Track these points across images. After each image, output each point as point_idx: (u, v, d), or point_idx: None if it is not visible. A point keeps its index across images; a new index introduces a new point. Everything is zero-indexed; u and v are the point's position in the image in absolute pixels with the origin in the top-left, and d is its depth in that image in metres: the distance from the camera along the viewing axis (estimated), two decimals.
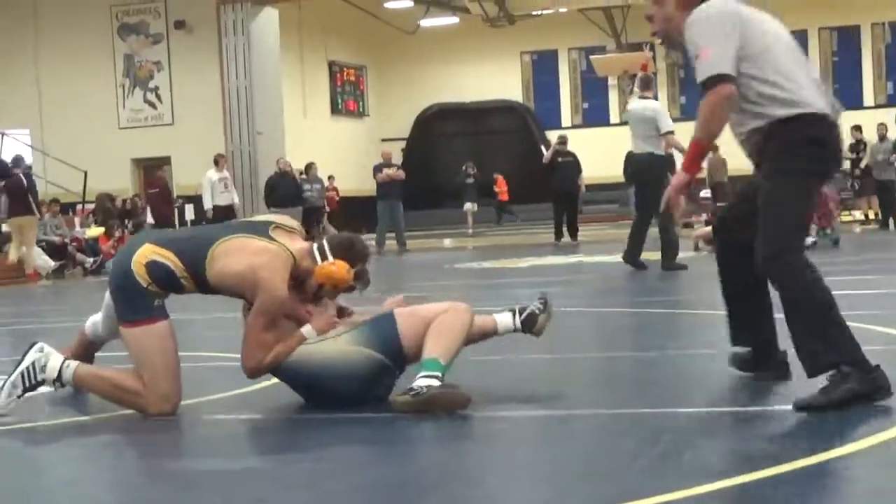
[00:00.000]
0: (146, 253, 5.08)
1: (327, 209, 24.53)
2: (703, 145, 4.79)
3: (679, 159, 10.35)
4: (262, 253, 4.99)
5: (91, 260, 20.79)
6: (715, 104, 4.62)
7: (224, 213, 21.14)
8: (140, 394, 5.08)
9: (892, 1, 30.43)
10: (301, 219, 22.36)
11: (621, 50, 33.28)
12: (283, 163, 22.90)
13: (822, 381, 4.49)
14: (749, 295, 5.25)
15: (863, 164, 23.52)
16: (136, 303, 5.08)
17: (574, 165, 21.85)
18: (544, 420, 4.77)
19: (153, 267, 5.05)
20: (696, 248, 15.50)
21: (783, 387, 5.16)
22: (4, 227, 20.35)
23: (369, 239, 23.86)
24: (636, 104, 13.15)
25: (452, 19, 32.36)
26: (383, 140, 32.41)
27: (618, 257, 14.51)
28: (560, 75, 34.21)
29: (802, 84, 4.77)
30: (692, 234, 16.21)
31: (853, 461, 3.71)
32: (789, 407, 4.64)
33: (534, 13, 32.18)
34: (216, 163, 22.75)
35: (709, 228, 15.38)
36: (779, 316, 4.81)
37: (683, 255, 15.74)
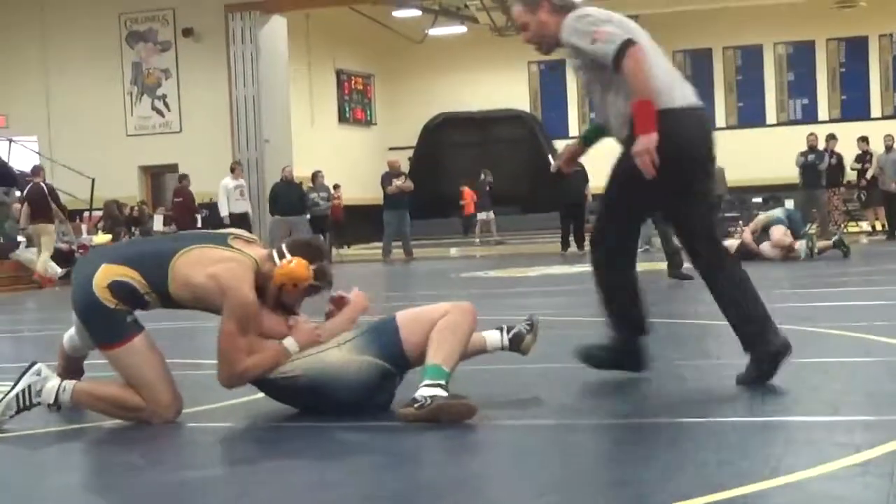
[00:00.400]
0: (107, 274, 5.03)
1: (332, 217, 24.51)
2: (649, 102, 5.11)
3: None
4: (222, 261, 4.99)
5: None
6: (637, 66, 5.09)
7: (240, 221, 21.24)
8: (141, 409, 5.08)
9: None
10: (307, 227, 22.39)
11: None
12: (288, 171, 22.92)
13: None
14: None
15: (869, 175, 23.50)
16: (109, 325, 5.05)
17: (581, 175, 21.83)
18: (550, 429, 4.77)
19: (116, 287, 5.02)
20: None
21: (788, 398, 5.16)
22: (19, 236, 20.55)
23: (376, 248, 23.93)
24: None
25: (460, 28, 32.37)
26: (390, 149, 32.42)
27: None
28: (568, 85, 34.19)
29: (676, 79, 5.40)
30: None
31: (856, 473, 3.71)
32: (795, 418, 4.65)
33: None
34: (232, 170, 22.82)
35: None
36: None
37: (690, 265, 15.74)
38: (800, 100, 32.63)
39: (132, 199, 25.99)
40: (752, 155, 29.61)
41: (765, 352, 5.38)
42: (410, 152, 34.25)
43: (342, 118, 33.33)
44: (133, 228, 23.90)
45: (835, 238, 16.43)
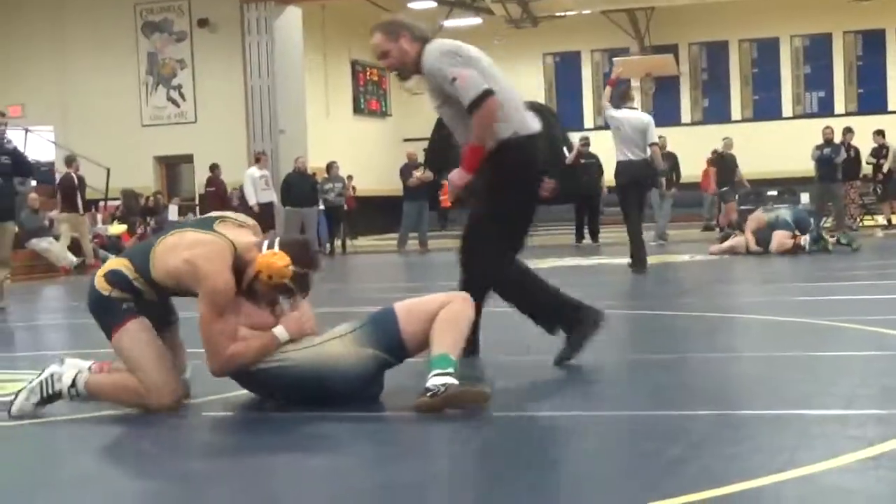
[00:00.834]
0: (106, 267, 5.23)
1: (346, 208, 24.51)
2: (482, 149, 5.66)
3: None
4: (196, 244, 5.02)
5: (113, 257, 20.84)
6: (488, 116, 5.62)
7: (266, 210, 21.30)
8: (139, 391, 5.11)
9: None
10: (320, 219, 22.42)
11: (644, 52, 33.22)
12: (301, 162, 22.93)
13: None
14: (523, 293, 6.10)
15: (885, 169, 23.43)
16: (106, 312, 5.15)
17: (596, 167, 21.85)
18: (561, 421, 4.78)
19: (111, 276, 5.16)
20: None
21: (801, 391, 5.16)
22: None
23: (390, 239, 23.94)
24: (629, 113, 13.46)
25: (475, 20, 32.32)
26: (405, 140, 32.38)
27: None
28: (583, 77, 34.14)
29: (518, 108, 5.87)
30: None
31: (869, 466, 3.71)
32: (808, 411, 4.65)
33: (557, 14, 32.14)
34: (257, 160, 22.88)
35: (725, 245, 15.55)
36: None
37: (702, 258, 15.74)
38: (816, 93, 32.52)
39: (147, 189, 26.03)
40: (768, 148, 29.55)
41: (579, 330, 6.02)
42: (425, 144, 34.23)
43: (357, 109, 33.31)
44: (148, 219, 23.93)
45: (839, 235, 16.37)
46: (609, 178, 22.69)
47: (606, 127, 13.85)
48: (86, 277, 19.26)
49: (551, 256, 17.45)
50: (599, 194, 22.11)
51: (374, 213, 29.02)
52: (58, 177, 25.42)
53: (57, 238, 20.07)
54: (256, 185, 22.21)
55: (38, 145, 25.66)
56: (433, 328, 4.96)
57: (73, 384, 5.18)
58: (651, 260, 16.06)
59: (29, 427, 5.10)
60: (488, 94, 5.59)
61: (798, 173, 25.87)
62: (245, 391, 5.40)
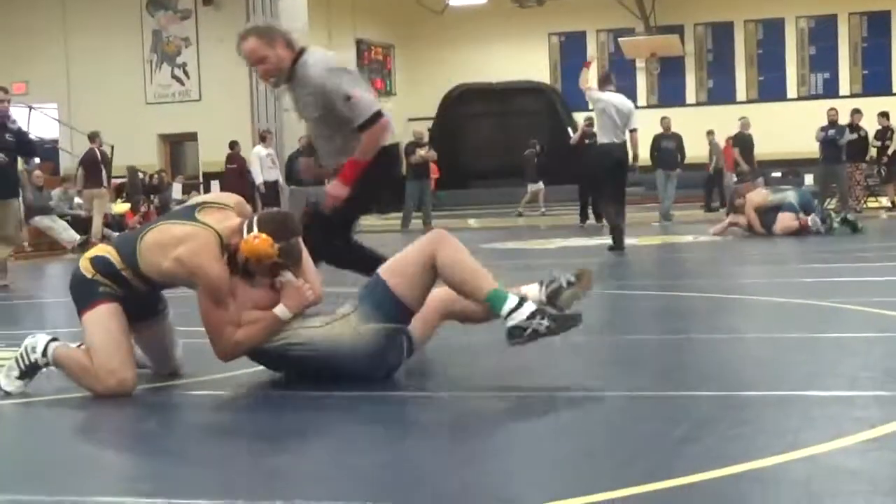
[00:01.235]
0: (95, 251, 5.28)
1: None
2: (363, 166, 5.93)
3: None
4: (183, 240, 5.01)
5: (116, 235, 20.88)
6: (378, 138, 5.92)
7: (271, 189, 21.28)
8: (90, 371, 5.10)
9: None
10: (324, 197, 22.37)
11: (650, 32, 33.17)
12: (305, 141, 22.86)
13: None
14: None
15: (890, 151, 23.38)
16: (82, 292, 5.17)
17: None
18: (566, 401, 4.78)
19: (96, 260, 5.19)
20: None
21: (804, 372, 5.17)
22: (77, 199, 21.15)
23: (393, 218, 23.92)
24: (615, 97, 13.62)
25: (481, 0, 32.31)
26: (410, 119, 32.36)
27: (640, 241, 14.57)
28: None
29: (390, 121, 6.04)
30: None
31: (872, 448, 3.72)
32: (811, 392, 4.65)
33: None
34: (263, 139, 22.79)
35: (725, 223, 15.68)
36: None
37: (706, 239, 15.74)
38: (821, 74, 32.49)
39: (151, 167, 26.02)
40: (773, 129, 29.51)
41: None
42: (430, 123, 34.22)
43: None
44: (152, 197, 23.93)
45: (844, 213, 16.35)
46: None
47: None
48: None
49: (556, 237, 17.46)
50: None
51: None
52: (62, 153, 25.49)
53: (62, 216, 20.09)
54: (263, 163, 22.19)
55: (42, 123, 25.65)
56: (451, 284, 4.97)
57: (45, 353, 5.21)
58: (654, 240, 16.09)
59: (15, 406, 5.11)
60: (380, 115, 5.90)
61: (802, 154, 25.89)
62: (244, 370, 5.42)
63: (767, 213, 15.76)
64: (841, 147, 21.26)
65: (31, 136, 15.61)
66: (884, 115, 23.63)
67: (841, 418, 4.15)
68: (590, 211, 21.98)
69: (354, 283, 5.58)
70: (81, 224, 20.31)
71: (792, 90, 32.61)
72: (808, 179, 25.26)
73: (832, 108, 22.04)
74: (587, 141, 21.32)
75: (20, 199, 14.00)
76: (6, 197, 12.62)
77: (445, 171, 28.78)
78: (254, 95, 26.08)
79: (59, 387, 5.27)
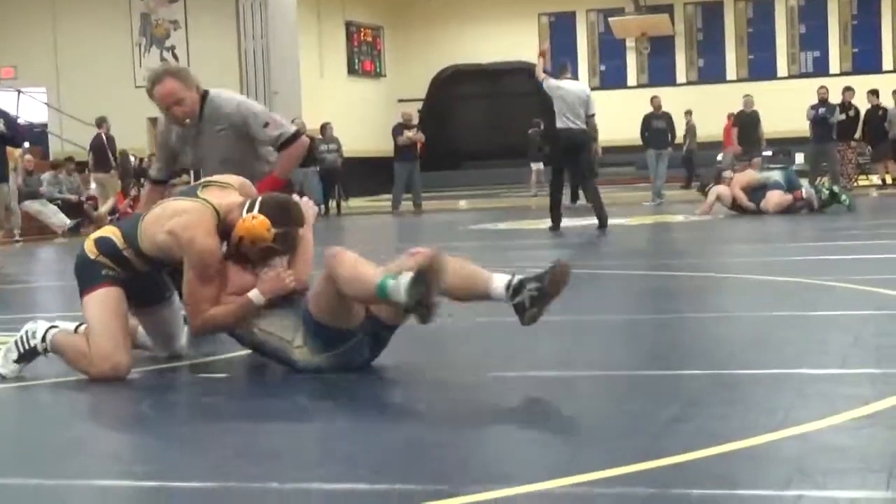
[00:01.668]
0: (100, 232, 5.31)
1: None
2: (283, 183, 6.08)
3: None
4: (179, 213, 5.03)
5: (108, 218, 20.86)
6: (299, 153, 6.17)
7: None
8: (85, 356, 5.10)
9: None
10: (317, 180, 22.36)
11: (640, 12, 33.12)
12: (299, 122, 22.85)
13: None
14: None
15: (892, 136, 23.30)
16: (86, 274, 5.17)
17: (591, 127, 21.77)
18: (554, 381, 4.79)
19: (100, 241, 5.20)
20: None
21: (796, 350, 5.18)
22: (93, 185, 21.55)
23: (384, 200, 23.92)
24: (573, 85, 14.80)
25: None
26: (400, 101, 32.31)
27: (634, 220, 14.59)
28: (578, 37, 34.03)
29: None
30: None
31: (863, 425, 3.72)
32: (803, 370, 4.66)
33: None
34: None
35: (713, 198, 15.85)
36: None
37: (696, 219, 15.75)
38: (811, 52, 32.46)
39: (141, 150, 25.96)
40: (763, 108, 29.25)
41: None
42: (420, 104, 34.18)
43: (351, 70, 33.22)
44: (142, 180, 23.87)
45: (835, 188, 16.40)
46: (604, 138, 22.77)
47: (602, 87, 14.19)
48: (80, 239, 19.29)
49: (547, 217, 17.43)
50: (594, 155, 22.05)
51: (368, 175, 28.98)
52: (52, 137, 25.44)
53: (51, 200, 20.07)
54: None
55: (31, 107, 25.59)
56: (357, 298, 4.75)
57: (44, 338, 5.21)
58: (645, 220, 16.10)
59: (10, 390, 5.11)
60: (297, 134, 6.16)
61: (793, 133, 25.88)
62: (238, 353, 5.42)
63: (755, 192, 15.80)
64: (831, 125, 21.26)
65: (20, 124, 15.64)
66: (873, 92, 23.61)
67: (833, 396, 4.16)
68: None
69: None
70: (72, 208, 20.29)
71: (782, 69, 32.58)
72: (799, 158, 25.26)
73: (822, 87, 22.03)
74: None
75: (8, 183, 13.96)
76: None
77: (436, 153, 28.74)
78: (243, 78, 26.04)
79: (56, 370, 5.27)
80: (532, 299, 4.62)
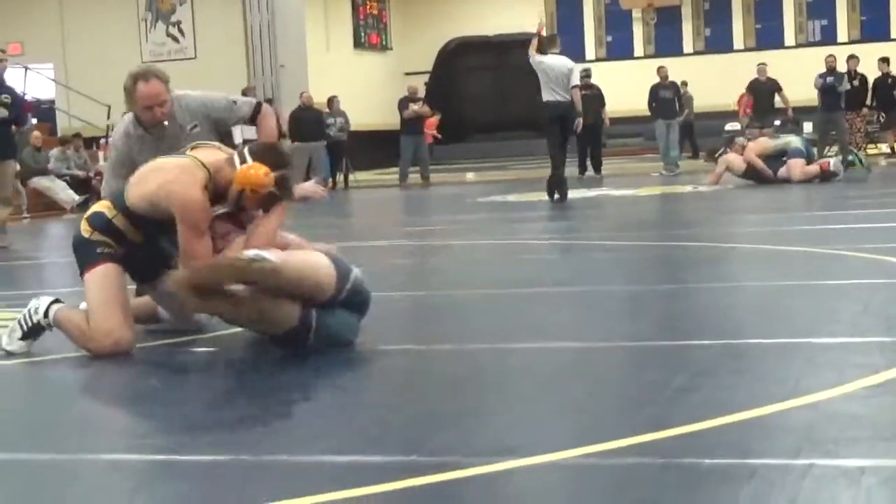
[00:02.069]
0: (92, 208, 5.36)
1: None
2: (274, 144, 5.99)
3: None
4: (168, 169, 5.08)
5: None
6: (271, 117, 6.24)
7: None
8: (86, 333, 5.12)
9: None
10: (325, 154, 22.31)
11: None
12: (307, 96, 22.81)
13: None
14: None
15: None
16: (83, 253, 5.21)
17: (597, 99, 21.75)
18: (565, 352, 4.79)
19: (93, 218, 5.24)
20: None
21: (806, 320, 5.17)
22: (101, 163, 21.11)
23: (391, 173, 23.90)
24: (555, 59, 15.19)
25: None
26: (406, 74, 32.22)
27: (640, 192, 14.57)
28: (584, 8, 33.88)
29: None
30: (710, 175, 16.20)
31: (873, 393, 3.72)
32: (813, 340, 4.66)
33: None
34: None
35: (721, 168, 15.87)
36: None
37: (705, 189, 15.71)
38: (819, 21, 32.29)
39: None
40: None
41: None
42: (426, 77, 34.09)
43: (357, 43, 33.12)
44: None
45: (852, 154, 16.39)
46: (611, 108, 22.71)
47: (609, 58, 14.22)
48: None
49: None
50: (601, 126, 22.02)
51: (375, 148, 28.92)
52: (59, 113, 25.44)
53: (59, 177, 20.07)
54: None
55: (38, 83, 25.56)
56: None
57: (47, 314, 5.22)
58: (654, 190, 16.06)
59: (18, 366, 5.12)
60: (261, 103, 6.30)
61: (801, 102, 25.75)
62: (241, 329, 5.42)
63: (771, 161, 15.62)
64: (840, 94, 21.17)
65: (27, 100, 15.63)
66: (884, 60, 23.48)
67: (843, 365, 4.15)
68: (588, 162, 22.00)
69: None
70: (80, 184, 20.28)
71: (790, 38, 32.43)
72: (808, 127, 25.15)
73: (830, 55, 21.94)
74: (584, 92, 21.26)
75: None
76: (3, 157, 12.58)
77: (443, 125, 28.69)
78: (249, 52, 25.98)
79: (63, 346, 5.27)
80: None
